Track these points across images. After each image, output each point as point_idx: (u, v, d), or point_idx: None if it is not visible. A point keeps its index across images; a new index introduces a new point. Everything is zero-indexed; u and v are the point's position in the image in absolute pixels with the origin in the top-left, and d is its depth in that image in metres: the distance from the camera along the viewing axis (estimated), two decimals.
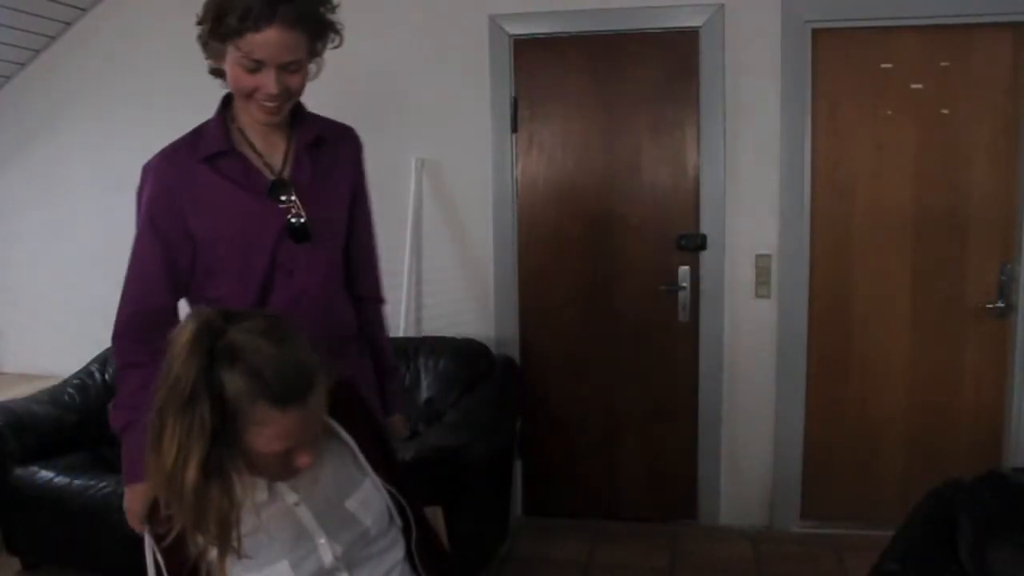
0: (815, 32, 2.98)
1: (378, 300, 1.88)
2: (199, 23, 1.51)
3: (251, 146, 1.60)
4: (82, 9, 3.48)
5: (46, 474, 2.75)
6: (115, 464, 2.94)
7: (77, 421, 3.07)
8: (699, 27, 3.05)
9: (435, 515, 1.63)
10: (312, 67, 1.56)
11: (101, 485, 2.67)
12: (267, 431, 1.12)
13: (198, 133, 1.61)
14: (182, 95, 3.44)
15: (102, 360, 3.32)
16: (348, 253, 1.75)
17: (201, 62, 3.09)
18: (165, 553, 1.23)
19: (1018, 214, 2.95)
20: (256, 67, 1.46)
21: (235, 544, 1.14)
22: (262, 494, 1.24)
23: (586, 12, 3.11)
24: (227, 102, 1.63)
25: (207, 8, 1.48)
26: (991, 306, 3.01)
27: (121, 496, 2.57)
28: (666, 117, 3.14)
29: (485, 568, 2.90)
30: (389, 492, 1.36)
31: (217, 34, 1.47)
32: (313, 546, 1.26)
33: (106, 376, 3.26)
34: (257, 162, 1.59)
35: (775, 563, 2.99)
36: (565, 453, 3.38)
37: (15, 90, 3.64)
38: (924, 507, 1.74)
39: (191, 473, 1.09)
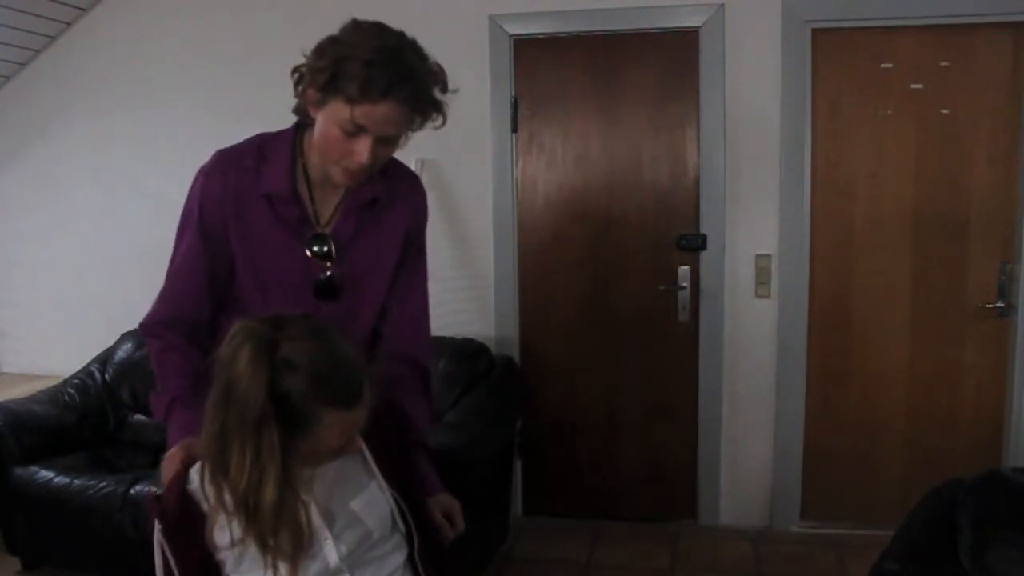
0: (815, 32, 2.98)
1: (416, 363, 1.72)
2: (309, 68, 1.41)
3: (308, 186, 1.55)
4: (82, 9, 3.48)
5: (46, 474, 2.75)
6: (115, 464, 2.96)
7: (77, 421, 3.07)
8: (699, 27, 3.05)
9: None
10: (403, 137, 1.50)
11: (101, 485, 2.67)
12: (336, 430, 1.18)
13: (262, 154, 1.54)
14: (182, 95, 3.46)
15: (102, 360, 3.32)
16: (384, 305, 1.69)
17: (200, 62, 3.10)
18: (175, 551, 1.23)
19: (1018, 214, 2.95)
20: (356, 132, 1.40)
21: (307, 547, 1.19)
22: None
23: (586, 12, 3.11)
24: (300, 125, 1.55)
25: (323, 58, 1.39)
26: (991, 306, 3.01)
27: (122, 496, 2.60)
28: (666, 117, 3.14)
29: (485, 568, 2.90)
30: (393, 498, 1.37)
31: (326, 89, 1.39)
32: (319, 546, 1.26)
33: (106, 376, 3.27)
34: (309, 206, 1.54)
35: (775, 563, 2.99)
36: (565, 453, 3.38)
37: (15, 90, 3.64)
38: (924, 507, 1.74)
39: (269, 492, 1.12)
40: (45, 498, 2.72)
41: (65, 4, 3.39)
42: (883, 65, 3.00)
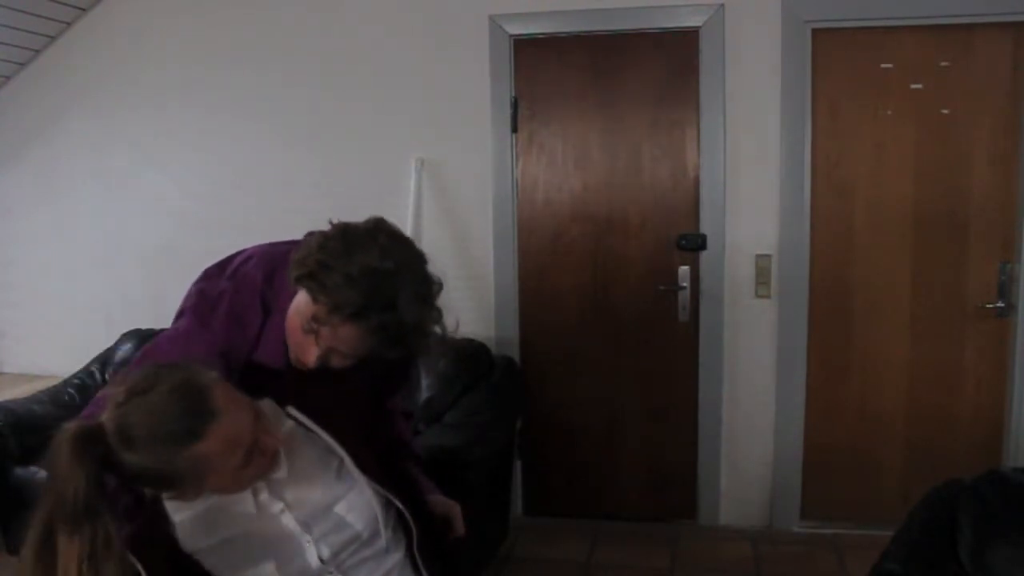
0: (815, 32, 2.98)
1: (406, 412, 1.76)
2: (303, 254, 1.28)
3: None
4: (82, 9, 3.48)
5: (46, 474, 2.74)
6: None
7: None
8: (699, 27, 3.05)
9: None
10: None
11: None
12: (213, 458, 1.12)
13: (258, 330, 1.40)
14: (181, 95, 3.46)
15: (102, 360, 3.32)
16: None
17: (200, 62, 3.09)
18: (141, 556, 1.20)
19: (1018, 214, 2.95)
20: (313, 331, 1.29)
21: None
22: (249, 507, 1.27)
23: (586, 12, 3.11)
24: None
25: (318, 250, 1.26)
26: (991, 306, 3.01)
27: None
28: (666, 117, 3.14)
29: (485, 568, 2.90)
30: (385, 497, 1.37)
31: (300, 280, 1.28)
32: (299, 547, 1.28)
33: (106, 376, 3.26)
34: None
35: (775, 563, 2.99)
36: (565, 453, 3.38)
37: (15, 90, 3.64)
38: (924, 507, 1.73)
39: None
40: None
41: (65, 4, 3.39)
42: (883, 65, 3.00)
